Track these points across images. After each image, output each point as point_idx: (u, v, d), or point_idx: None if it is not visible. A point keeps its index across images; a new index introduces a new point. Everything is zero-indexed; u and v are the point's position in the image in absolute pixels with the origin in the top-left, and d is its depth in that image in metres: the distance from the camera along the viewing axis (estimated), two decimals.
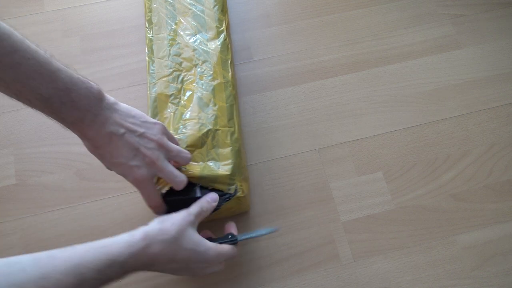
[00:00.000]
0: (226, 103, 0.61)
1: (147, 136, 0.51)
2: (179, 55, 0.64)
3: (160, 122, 0.54)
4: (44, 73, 0.44)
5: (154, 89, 0.62)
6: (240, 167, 0.58)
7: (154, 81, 0.63)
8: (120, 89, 0.74)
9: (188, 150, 0.56)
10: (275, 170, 0.68)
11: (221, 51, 0.64)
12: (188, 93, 0.61)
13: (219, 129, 0.59)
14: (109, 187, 0.66)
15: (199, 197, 0.54)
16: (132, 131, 0.50)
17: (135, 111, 0.52)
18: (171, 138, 0.55)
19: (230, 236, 0.56)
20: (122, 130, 0.49)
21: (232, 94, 0.62)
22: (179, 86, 0.62)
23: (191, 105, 0.60)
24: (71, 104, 0.46)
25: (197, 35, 0.65)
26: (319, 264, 0.62)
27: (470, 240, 0.64)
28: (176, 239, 0.48)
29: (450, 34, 0.79)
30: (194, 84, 0.62)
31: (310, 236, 0.64)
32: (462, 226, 0.65)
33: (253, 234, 0.57)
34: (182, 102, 0.61)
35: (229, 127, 0.59)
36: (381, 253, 0.63)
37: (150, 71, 0.64)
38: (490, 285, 0.61)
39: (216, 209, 0.55)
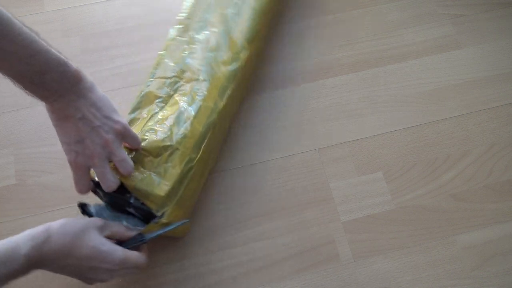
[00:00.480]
0: (202, 129, 0.59)
1: (99, 131, 0.50)
2: (187, 63, 0.63)
3: (123, 122, 0.53)
4: (22, 56, 0.44)
5: (148, 86, 0.62)
6: (180, 196, 0.56)
7: (152, 78, 0.62)
8: (120, 89, 0.74)
9: (143, 154, 0.56)
10: (275, 170, 0.68)
11: (227, 78, 0.63)
12: (174, 103, 0.60)
13: (180, 149, 0.57)
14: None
15: (131, 203, 0.54)
16: (88, 121, 0.50)
17: (103, 102, 0.52)
18: (133, 139, 0.54)
19: (138, 237, 0.54)
20: (79, 115, 0.49)
21: (214, 124, 0.60)
22: (171, 93, 0.61)
23: (170, 115, 0.59)
24: (41, 85, 0.47)
25: (214, 52, 0.64)
26: (319, 264, 0.62)
27: (470, 240, 0.64)
28: (78, 234, 0.48)
29: (450, 34, 0.79)
30: (184, 98, 0.61)
31: (310, 236, 0.64)
32: (462, 226, 0.65)
33: (161, 230, 0.55)
34: (165, 108, 0.60)
35: (191, 153, 0.57)
36: (381, 253, 0.63)
37: (156, 68, 0.63)
38: (490, 285, 0.61)
39: (143, 240, 0.54)
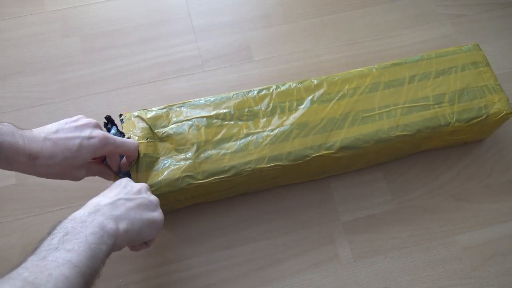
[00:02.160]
0: (227, 167, 0.58)
1: (81, 123, 0.50)
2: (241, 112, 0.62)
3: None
4: None
5: (232, 97, 0.63)
6: (158, 190, 0.57)
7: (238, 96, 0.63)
8: (120, 89, 0.74)
9: (167, 139, 0.59)
10: None
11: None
12: (235, 126, 0.61)
13: (193, 161, 0.57)
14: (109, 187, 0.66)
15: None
16: (64, 126, 0.50)
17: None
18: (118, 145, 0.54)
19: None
20: (54, 128, 0.49)
21: (244, 171, 0.58)
22: (240, 117, 0.62)
23: (221, 132, 0.60)
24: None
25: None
26: (319, 264, 0.62)
27: (470, 240, 0.64)
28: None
29: (450, 34, 0.79)
30: (246, 130, 0.60)
31: (310, 236, 0.64)
32: (462, 226, 0.65)
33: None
34: (227, 124, 0.61)
35: (198, 174, 0.57)
36: (381, 253, 0.63)
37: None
38: (490, 285, 0.61)
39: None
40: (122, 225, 0.44)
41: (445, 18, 0.81)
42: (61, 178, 0.51)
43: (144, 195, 0.49)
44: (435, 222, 0.65)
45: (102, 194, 0.48)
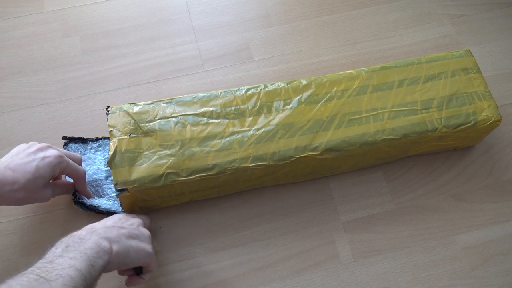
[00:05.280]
0: (210, 165, 0.58)
1: (34, 148, 0.55)
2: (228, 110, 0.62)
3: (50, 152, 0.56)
4: None
5: (220, 95, 0.63)
6: (144, 189, 0.57)
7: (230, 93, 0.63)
8: (120, 89, 0.74)
9: (152, 134, 0.59)
10: None
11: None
12: (222, 124, 0.60)
13: (177, 158, 0.57)
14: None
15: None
16: (18, 155, 0.54)
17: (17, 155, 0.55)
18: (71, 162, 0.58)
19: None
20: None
21: (227, 170, 0.58)
22: (228, 115, 0.61)
23: (207, 130, 0.60)
24: None
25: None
26: (319, 264, 0.62)
27: (470, 240, 0.64)
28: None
29: (450, 34, 0.79)
30: (232, 128, 0.60)
31: (310, 236, 0.64)
32: (462, 226, 0.65)
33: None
34: (213, 121, 0.61)
35: (182, 170, 0.57)
36: (381, 253, 0.63)
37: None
38: (490, 285, 0.61)
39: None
40: (115, 247, 0.48)
41: (445, 18, 0.81)
42: (30, 202, 0.55)
43: (136, 227, 0.53)
44: (435, 222, 0.65)
45: (98, 222, 0.53)
